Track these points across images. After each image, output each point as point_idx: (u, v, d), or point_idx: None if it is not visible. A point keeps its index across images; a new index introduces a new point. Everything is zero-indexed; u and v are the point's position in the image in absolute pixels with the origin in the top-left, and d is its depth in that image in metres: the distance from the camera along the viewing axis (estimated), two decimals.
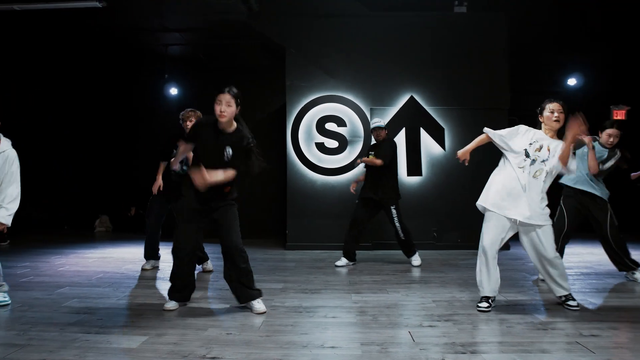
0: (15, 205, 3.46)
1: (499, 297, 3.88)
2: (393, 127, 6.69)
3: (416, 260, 5.38)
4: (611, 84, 8.77)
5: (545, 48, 7.94)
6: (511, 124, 7.12)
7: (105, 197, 9.54)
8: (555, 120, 3.49)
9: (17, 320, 3.20)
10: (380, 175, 5.25)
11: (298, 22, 6.79)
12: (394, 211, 5.25)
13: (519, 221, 3.43)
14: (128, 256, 6.12)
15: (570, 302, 3.48)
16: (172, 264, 3.50)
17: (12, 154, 3.51)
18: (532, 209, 3.40)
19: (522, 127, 3.60)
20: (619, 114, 8.59)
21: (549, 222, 3.48)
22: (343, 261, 5.36)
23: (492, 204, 3.53)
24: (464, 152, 3.85)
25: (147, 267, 5.10)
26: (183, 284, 3.53)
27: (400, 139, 6.68)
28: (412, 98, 6.69)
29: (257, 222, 8.30)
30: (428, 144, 6.69)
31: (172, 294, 3.53)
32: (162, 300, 3.72)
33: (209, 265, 5.04)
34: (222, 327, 3.03)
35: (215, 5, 6.09)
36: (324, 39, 6.76)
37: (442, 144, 6.68)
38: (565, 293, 3.52)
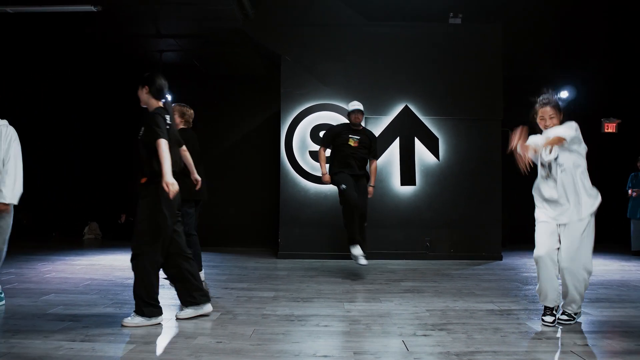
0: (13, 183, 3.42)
1: (493, 306, 3.85)
2: (387, 136, 6.69)
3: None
4: (603, 96, 8.86)
5: (539, 60, 8.01)
6: (504, 135, 7.22)
7: (95, 204, 9.42)
8: (545, 128, 3.36)
9: None
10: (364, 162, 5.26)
11: (294, 30, 6.79)
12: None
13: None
14: (117, 263, 6.02)
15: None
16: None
17: (11, 130, 3.52)
18: None
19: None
20: (610, 127, 8.67)
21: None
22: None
23: None
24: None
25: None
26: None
27: (394, 148, 6.67)
28: (406, 107, 6.70)
29: (248, 231, 8.23)
30: (422, 154, 6.69)
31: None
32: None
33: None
34: (212, 336, 2.96)
35: (211, 11, 6.07)
36: (320, 48, 6.77)
37: (436, 154, 6.68)
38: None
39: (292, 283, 4.80)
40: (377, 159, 5.35)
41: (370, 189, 5.20)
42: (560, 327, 3.25)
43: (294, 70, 6.73)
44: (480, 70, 6.73)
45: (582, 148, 3.31)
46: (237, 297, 4.08)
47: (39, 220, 9.18)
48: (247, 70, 8.20)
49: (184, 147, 3.89)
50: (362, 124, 5.37)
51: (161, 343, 2.81)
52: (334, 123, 6.65)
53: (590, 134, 4.58)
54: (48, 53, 7.86)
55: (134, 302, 3.19)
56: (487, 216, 6.66)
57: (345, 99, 6.71)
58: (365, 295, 4.24)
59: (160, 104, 3.35)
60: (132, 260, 3.22)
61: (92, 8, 5.74)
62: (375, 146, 5.30)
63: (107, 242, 8.66)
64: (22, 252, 6.74)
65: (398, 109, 6.71)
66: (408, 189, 6.69)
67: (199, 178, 4.30)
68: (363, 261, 4.90)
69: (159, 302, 3.22)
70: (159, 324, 3.21)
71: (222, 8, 6.03)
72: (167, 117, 3.30)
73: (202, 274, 4.79)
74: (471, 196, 6.68)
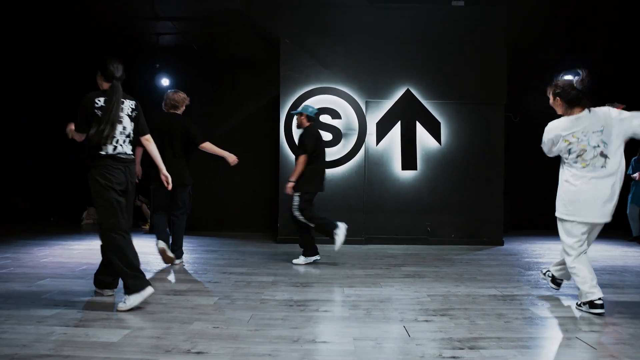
0: None
1: (495, 291, 3.79)
2: (388, 120, 6.58)
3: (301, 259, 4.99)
4: (607, 81, 8.71)
5: (543, 43, 7.85)
6: (507, 120, 7.10)
7: None
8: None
9: None
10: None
11: (293, 12, 6.62)
12: (296, 198, 4.86)
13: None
14: None
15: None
16: None
17: None
18: None
19: None
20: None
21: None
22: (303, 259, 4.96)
23: None
24: None
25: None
26: None
27: (395, 132, 6.56)
28: (408, 91, 6.57)
29: (246, 215, 8.16)
30: (424, 138, 6.58)
31: None
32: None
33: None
34: (209, 321, 2.89)
35: None
36: (320, 30, 6.61)
37: (437, 138, 6.57)
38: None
39: (291, 268, 4.74)
40: (304, 154, 4.83)
41: (288, 184, 4.85)
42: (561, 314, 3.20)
43: (293, 52, 6.59)
44: (483, 53, 6.58)
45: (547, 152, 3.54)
46: (236, 282, 4.02)
47: (37, 205, 9.11)
48: (245, 53, 8.04)
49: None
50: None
51: (156, 328, 2.74)
52: (334, 107, 6.59)
53: None
54: (45, 44, 7.72)
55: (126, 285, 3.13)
56: (489, 201, 6.58)
57: (346, 81, 6.59)
58: (366, 280, 4.18)
59: (107, 86, 3.26)
60: (102, 241, 3.27)
61: None
62: (300, 142, 4.94)
63: None
64: (19, 236, 6.68)
65: (399, 92, 6.58)
66: (409, 174, 6.59)
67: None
68: None
69: (141, 272, 3.19)
70: (151, 306, 3.16)
71: None
72: (100, 100, 3.19)
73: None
74: (473, 181, 6.59)
